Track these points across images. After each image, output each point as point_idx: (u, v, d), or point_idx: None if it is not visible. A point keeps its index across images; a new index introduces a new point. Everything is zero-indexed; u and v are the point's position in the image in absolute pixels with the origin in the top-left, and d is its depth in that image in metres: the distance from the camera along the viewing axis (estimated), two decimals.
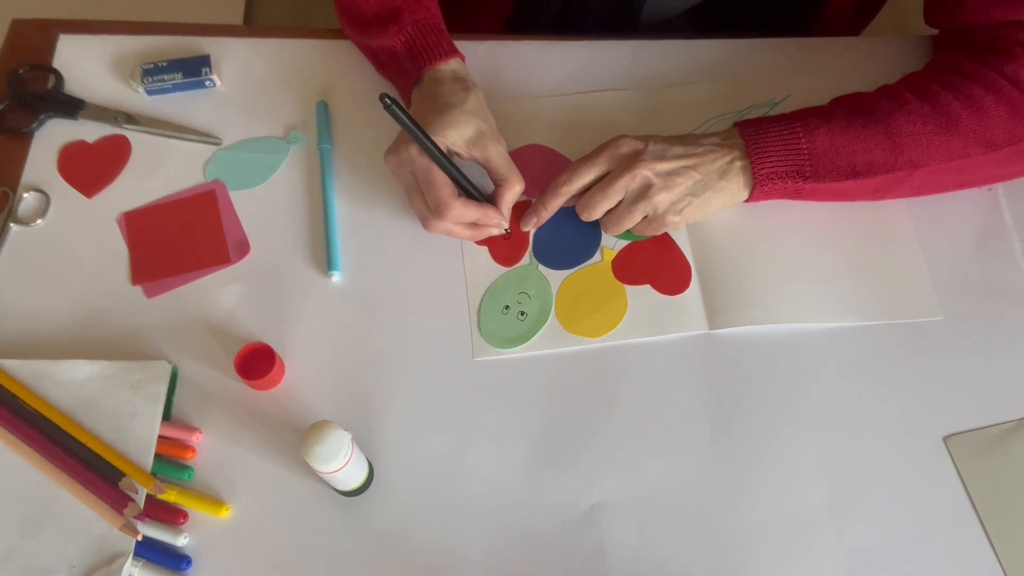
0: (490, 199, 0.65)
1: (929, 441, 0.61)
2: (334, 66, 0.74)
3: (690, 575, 0.56)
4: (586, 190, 0.65)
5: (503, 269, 0.66)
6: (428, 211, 0.62)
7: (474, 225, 0.64)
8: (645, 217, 0.64)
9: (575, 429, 0.61)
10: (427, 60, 0.65)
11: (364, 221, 0.68)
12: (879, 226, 0.67)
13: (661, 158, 0.62)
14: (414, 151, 0.60)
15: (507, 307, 0.64)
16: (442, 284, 0.65)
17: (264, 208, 0.68)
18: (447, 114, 0.62)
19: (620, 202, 0.64)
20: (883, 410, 0.62)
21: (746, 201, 0.65)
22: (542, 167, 0.69)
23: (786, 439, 0.61)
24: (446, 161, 0.60)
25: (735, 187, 0.63)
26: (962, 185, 0.67)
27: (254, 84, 0.73)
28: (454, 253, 0.67)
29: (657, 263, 0.66)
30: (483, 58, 0.73)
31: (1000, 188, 0.69)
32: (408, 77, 0.67)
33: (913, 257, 0.66)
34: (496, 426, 0.61)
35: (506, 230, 0.66)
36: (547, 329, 0.64)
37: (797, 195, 0.64)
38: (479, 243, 0.67)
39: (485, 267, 0.66)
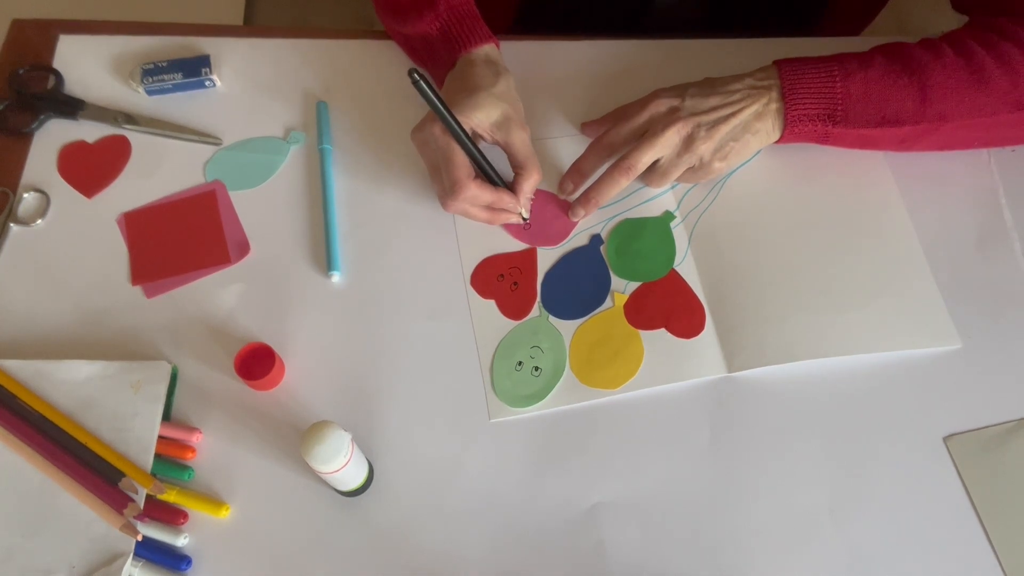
0: (511, 187, 0.65)
1: (929, 441, 0.61)
2: (334, 66, 0.74)
3: (690, 575, 0.57)
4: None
5: (512, 323, 0.64)
6: (445, 190, 0.62)
7: (490, 209, 0.64)
8: (690, 168, 0.65)
9: (576, 429, 0.61)
10: (462, 45, 0.66)
11: (364, 221, 0.68)
12: (887, 248, 0.67)
13: (699, 111, 0.64)
14: (438, 129, 0.61)
15: (520, 363, 0.62)
16: (442, 283, 0.65)
17: (264, 208, 0.68)
18: (475, 96, 0.62)
19: (661, 157, 0.65)
20: (883, 410, 0.62)
21: (776, 142, 0.66)
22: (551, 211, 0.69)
23: (786, 439, 0.61)
24: (468, 141, 0.61)
25: (768, 128, 0.65)
26: (987, 143, 0.68)
27: (254, 84, 0.73)
28: (454, 252, 0.67)
29: (670, 305, 0.64)
30: None
31: (1000, 188, 0.70)
32: (442, 62, 0.68)
33: (926, 282, 0.66)
34: (497, 426, 0.61)
35: (524, 219, 0.66)
36: (563, 383, 0.62)
37: (825, 139, 0.66)
38: (486, 297, 0.65)
39: (494, 322, 0.64)
